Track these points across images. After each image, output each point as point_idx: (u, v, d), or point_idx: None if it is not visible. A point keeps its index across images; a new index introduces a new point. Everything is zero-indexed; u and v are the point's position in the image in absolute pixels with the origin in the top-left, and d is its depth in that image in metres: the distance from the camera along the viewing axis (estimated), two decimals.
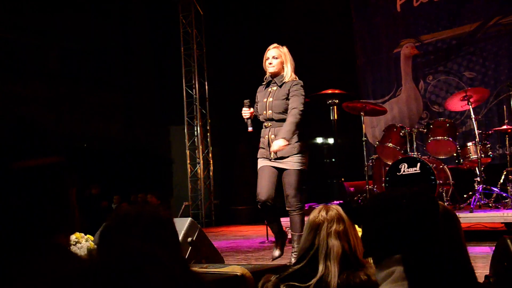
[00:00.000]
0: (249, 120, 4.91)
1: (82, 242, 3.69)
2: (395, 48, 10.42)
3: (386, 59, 10.54)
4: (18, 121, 0.92)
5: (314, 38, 11.29)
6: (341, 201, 8.26)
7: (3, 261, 0.80)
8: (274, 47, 4.94)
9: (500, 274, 2.54)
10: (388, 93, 10.47)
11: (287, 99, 4.76)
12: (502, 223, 6.70)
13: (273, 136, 4.75)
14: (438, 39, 9.99)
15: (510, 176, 6.63)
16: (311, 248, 2.26)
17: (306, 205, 9.72)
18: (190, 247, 3.86)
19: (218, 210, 12.68)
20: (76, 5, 12.62)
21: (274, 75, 4.89)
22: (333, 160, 10.82)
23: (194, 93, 12.38)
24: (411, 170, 6.64)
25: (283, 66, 4.88)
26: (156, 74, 14.05)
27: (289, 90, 4.77)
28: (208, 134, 12.61)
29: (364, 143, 7.58)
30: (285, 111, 4.76)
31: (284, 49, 4.94)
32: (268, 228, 7.76)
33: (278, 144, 4.54)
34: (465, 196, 6.92)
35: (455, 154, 7.05)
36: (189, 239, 3.90)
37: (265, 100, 4.87)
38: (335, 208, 2.33)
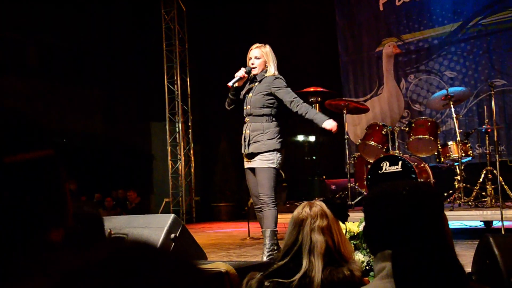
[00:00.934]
0: (237, 78, 4.88)
1: None
2: (378, 47, 10.48)
3: (368, 57, 10.59)
4: (7, 114, 0.89)
5: (297, 36, 11.30)
6: (323, 198, 8.25)
7: None
8: (257, 47, 4.94)
9: (482, 272, 2.56)
10: (370, 91, 10.53)
11: (267, 95, 4.79)
12: (481, 221, 6.78)
13: (248, 131, 4.81)
14: (419, 38, 10.06)
15: (489, 175, 6.70)
16: (295, 244, 2.26)
17: (287, 202, 9.75)
18: (173, 244, 3.84)
19: (199, 206, 12.65)
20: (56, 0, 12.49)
21: (256, 75, 4.92)
22: (314, 158, 10.85)
23: (176, 89, 12.33)
24: (393, 169, 6.68)
25: (265, 65, 4.90)
26: (138, 70, 13.95)
27: (269, 86, 4.80)
28: (190, 130, 12.57)
29: (346, 141, 7.61)
30: (263, 107, 4.80)
31: (267, 48, 4.94)
32: (250, 225, 7.77)
33: (331, 124, 4.71)
34: (445, 194, 6.98)
35: (436, 153, 7.11)
36: (172, 235, 3.87)
37: (246, 95, 4.91)
38: (319, 204, 2.33)
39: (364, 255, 3.49)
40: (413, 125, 7.13)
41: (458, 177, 6.78)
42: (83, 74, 13.23)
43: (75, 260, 0.73)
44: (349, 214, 2.46)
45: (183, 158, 12.33)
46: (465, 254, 4.47)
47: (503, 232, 5.55)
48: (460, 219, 6.55)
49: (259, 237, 7.42)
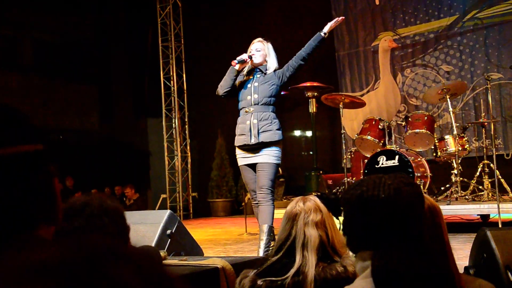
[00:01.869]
0: (242, 59, 4.84)
1: None
2: (374, 41, 10.46)
3: (365, 52, 10.58)
4: None
5: (293, 31, 11.27)
6: (318, 193, 8.24)
7: None
8: (259, 41, 4.94)
9: (479, 265, 2.55)
10: (367, 86, 10.52)
11: (274, 85, 4.78)
12: (478, 215, 6.78)
13: (255, 121, 4.72)
14: (415, 32, 10.05)
15: (486, 169, 6.70)
16: (288, 239, 2.25)
17: (284, 197, 9.74)
18: (169, 240, 3.82)
19: (196, 202, 12.63)
20: None
21: (256, 66, 4.88)
22: (311, 152, 10.84)
23: (172, 85, 12.30)
24: (390, 163, 6.67)
25: (265, 59, 4.88)
26: (133, 65, 13.91)
27: (274, 75, 4.82)
28: (186, 126, 12.54)
29: (342, 135, 7.60)
30: (272, 96, 4.77)
31: (269, 44, 4.94)
32: (247, 221, 7.76)
33: (329, 25, 4.85)
34: (442, 188, 6.98)
35: (432, 147, 7.10)
36: (168, 231, 3.86)
37: (249, 85, 4.84)
38: (313, 199, 2.31)
39: None
40: (409, 119, 7.12)
41: (455, 171, 6.78)
42: (79, 71, 13.18)
43: (36, 256, 0.71)
44: (342, 209, 2.44)
45: (179, 154, 12.31)
46: (462, 248, 4.47)
47: (500, 226, 5.55)
48: (457, 213, 6.55)
49: (256, 232, 7.40)
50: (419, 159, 6.92)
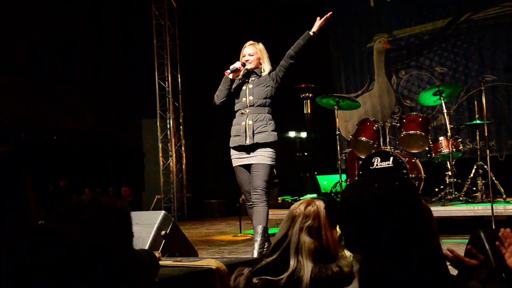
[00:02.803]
0: (235, 68, 4.86)
1: None
2: (369, 42, 10.48)
3: (360, 53, 10.60)
4: None
5: (288, 32, 11.27)
6: (326, 199, 8.28)
7: None
8: (250, 44, 4.95)
9: (473, 267, 2.55)
10: (361, 87, 10.54)
11: (268, 87, 4.80)
12: (472, 216, 6.80)
13: (250, 122, 4.74)
14: (410, 34, 10.08)
15: (480, 170, 6.72)
16: (284, 240, 2.25)
17: (279, 198, 9.74)
18: (164, 240, 3.82)
19: (191, 203, 12.62)
20: None
21: (252, 70, 4.90)
22: (306, 154, 10.85)
23: (166, 85, 12.28)
24: (384, 164, 6.69)
25: (260, 62, 4.91)
26: (128, 66, 13.89)
27: (268, 77, 4.83)
28: (181, 127, 12.53)
29: (337, 137, 7.61)
30: (266, 97, 4.78)
31: (260, 46, 4.97)
32: (242, 222, 7.76)
33: (317, 24, 5.15)
34: (436, 189, 7.00)
35: (427, 148, 7.12)
36: (163, 232, 3.85)
37: (244, 87, 4.86)
38: (317, 204, 2.29)
39: None
40: (404, 120, 7.14)
41: (449, 173, 6.80)
42: (73, 71, 13.16)
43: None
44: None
45: (174, 154, 12.30)
46: (456, 250, 4.48)
47: (493, 227, 5.57)
48: (451, 214, 6.57)
49: (251, 233, 7.42)
50: (413, 160, 6.94)
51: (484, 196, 6.54)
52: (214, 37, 12.11)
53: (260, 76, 4.86)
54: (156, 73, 12.32)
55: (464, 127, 7.51)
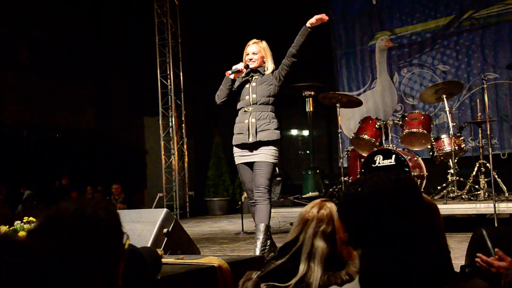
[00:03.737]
0: (236, 69, 4.86)
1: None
2: (371, 40, 10.47)
3: (362, 51, 10.59)
4: None
5: (290, 30, 11.26)
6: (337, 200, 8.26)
7: None
8: (254, 43, 4.94)
9: (475, 265, 2.56)
10: (363, 85, 10.53)
11: (271, 85, 4.80)
12: (474, 214, 6.80)
13: (253, 120, 4.74)
14: (412, 32, 10.06)
15: (482, 168, 6.72)
16: (295, 244, 2.20)
17: (282, 197, 9.75)
18: (166, 238, 3.82)
19: (193, 201, 12.62)
20: None
21: (255, 69, 4.90)
22: (308, 152, 10.85)
23: (169, 83, 12.28)
24: (386, 162, 6.68)
25: (263, 60, 4.91)
26: (130, 64, 13.89)
27: (272, 76, 4.83)
28: (183, 125, 12.53)
29: (339, 135, 7.60)
30: (270, 96, 4.79)
31: (264, 44, 4.96)
32: (244, 220, 7.76)
33: (313, 19, 5.02)
34: (438, 188, 6.99)
35: (429, 147, 7.11)
36: (165, 230, 3.85)
37: (247, 85, 4.86)
38: (329, 207, 2.23)
39: None
40: (406, 118, 7.13)
41: (451, 171, 6.79)
42: (75, 69, 13.16)
43: None
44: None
45: (176, 152, 12.30)
46: (459, 247, 4.48)
47: (496, 225, 5.57)
48: (453, 212, 6.57)
49: (253, 231, 7.41)
50: (415, 158, 6.94)
51: (486, 194, 6.53)
52: (216, 35, 12.10)
53: (263, 74, 4.86)
54: (158, 71, 12.32)
55: (467, 125, 7.49)
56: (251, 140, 4.74)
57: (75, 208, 1.26)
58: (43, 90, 12.63)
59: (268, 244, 4.58)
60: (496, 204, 5.85)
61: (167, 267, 2.81)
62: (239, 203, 9.51)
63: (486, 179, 6.62)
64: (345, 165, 8.03)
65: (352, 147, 7.70)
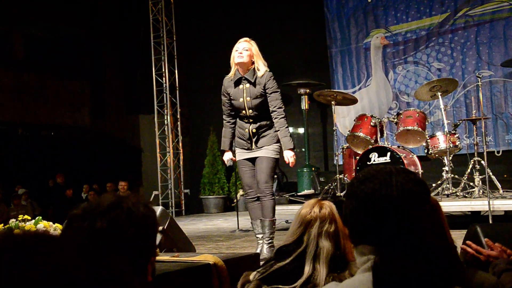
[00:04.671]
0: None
1: (50, 231, 3.61)
2: (365, 38, 10.48)
3: (357, 49, 10.60)
4: None
5: (285, 28, 11.28)
6: (337, 199, 8.29)
7: None
8: (245, 40, 4.85)
9: (470, 262, 2.57)
10: (359, 83, 10.54)
11: (265, 94, 4.75)
12: (469, 212, 6.82)
13: (254, 130, 4.79)
14: (407, 29, 10.08)
15: (477, 166, 6.73)
16: (298, 245, 2.17)
17: (277, 194, 9.75)
18: (161, 236, 3.82)
19: (188, 199, 12.62)
20: None
21: (242, 68, 4.79)
22: (303, 149, 10.86)
23: (164, 81, 12.26)
24: (381, 160, 6.69)
25: (251, 60, 4.79)
26: (125, 62, 13.87)
27: (264, 85, 4.74)
28: (178, 123, 12.51)
29: (334, 132, 7.61)
30: (266, 107, 4.77)
31: (254, 44, 4.86)
32: (239, 218, 7.76)
33: (289, 156, 4.78)
34: (433, 185, 7.01)
35: (424, 144, 7.13)
36: (160, 228, 3.85)
37: (241, 100, 4.81)
38: (329, 205, 2.22)
39: None
40: (401, 116, 7.14)
41: (446, 168, 6.81)
42: (71, 67, 13.13)
43: None
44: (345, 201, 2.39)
45: (171, 150, 12.29)
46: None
47: (490, 222, 5.59)
48: (448, 209, 6.58)
49: (248, 229, 7.42)
50: (410, 156, 6.95)
51: (481, 191, 6.55)
52: (211, 33, 12.09)
53: (255, 80, 4.76)
54: (153, 69, 12.29)
55: (461, 123, 7.51)
56: (252, 147, 4.84)
57: (113, 200, 1.27)
58: (38, 88, 12.60)
59: (273, 237, 4.71)
60: (490, 201, 5.88)
61: (163, 265, 2.81)
62: (235, 201, 9.51)
63: (480, 177, 6.64)
64: (340, 162, 8.04)
65: (347, 144, 7.70)
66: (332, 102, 7.51)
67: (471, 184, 6.72)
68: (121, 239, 1.22)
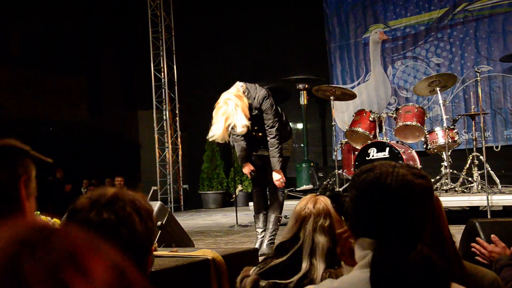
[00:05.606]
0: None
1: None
2: (364, 33, 10.46)
3: (356, 44, 10.58)
4: None
5: (284, 23, 11.25)
6: (330, 193, 8.29)
7: None
8: (222, 106, 4.58)
9: (468, 257, 2.57)
10: (357, 78, 10.53)
11: (260, 117, 4.67)
12: (468, 207, 6.83)
13: (260, 134, 4.77)
14: (406, 24, 10.06)
15: (476, 161, 6.74)
16: (295, 242, 2.18)
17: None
18: (160, 231, 3.82)
19: (187, 194, 12.62)
20: None
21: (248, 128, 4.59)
22: (302, 145, 10.85)
23: (162, 76, 12.24)
24: (380, 155, 6.69)
25: (242, 108, 4.48)
26: (123, 57, 13.85)
27: (260, 105, 4.63)
28: (177, 118, 12.50)
29: (333, 127, 7.60)
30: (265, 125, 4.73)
31: (230, 104, 4.48)
32: (238, 213, 7.76)
33: (277, 178, 4.68)
34: (432, 180, 7.00)
35: (423, 139, 7.13)
36: (159, 223, 3.85)
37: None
38: (323, 201, 2.22)
39: None
40: (400, 111, 7.14)
41: (445, 163, 6.81)
42: (68, 63, 13.10)
43: None
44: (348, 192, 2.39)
45: (170, 146, 12.28)
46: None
47: (489, 217, 5.59)
48: (446, 204, 6.59)
49: (247, 224, 7.43)
50: (409, 151, 6.95)
51: (479, 186, 6.56)
52: (210, 28, 12.06)
53: (255, 113, 4.64)
54: (151, 64, 12.27)
55: (460, 118, 7.51)
56: (260, 152, 4.87)
57: (115, 192, 1.30)
58: (36, 84, 12.58)
59: (275, 234, 4.72)
60: (489, 197, 5.88)
61: (161, 260, 2.80)
62: (233, 196, 9.51)
63: (479, 172, 6.65)
64: (339, 158, 8.03)
65: (346, 140, 7.70)
66: (331, 97, 7.50)
67: (470, 179, 6.73)
68: (127, 229, 1.23)
